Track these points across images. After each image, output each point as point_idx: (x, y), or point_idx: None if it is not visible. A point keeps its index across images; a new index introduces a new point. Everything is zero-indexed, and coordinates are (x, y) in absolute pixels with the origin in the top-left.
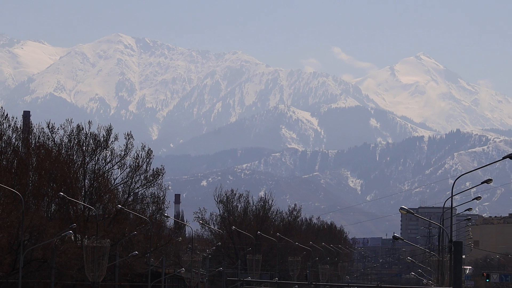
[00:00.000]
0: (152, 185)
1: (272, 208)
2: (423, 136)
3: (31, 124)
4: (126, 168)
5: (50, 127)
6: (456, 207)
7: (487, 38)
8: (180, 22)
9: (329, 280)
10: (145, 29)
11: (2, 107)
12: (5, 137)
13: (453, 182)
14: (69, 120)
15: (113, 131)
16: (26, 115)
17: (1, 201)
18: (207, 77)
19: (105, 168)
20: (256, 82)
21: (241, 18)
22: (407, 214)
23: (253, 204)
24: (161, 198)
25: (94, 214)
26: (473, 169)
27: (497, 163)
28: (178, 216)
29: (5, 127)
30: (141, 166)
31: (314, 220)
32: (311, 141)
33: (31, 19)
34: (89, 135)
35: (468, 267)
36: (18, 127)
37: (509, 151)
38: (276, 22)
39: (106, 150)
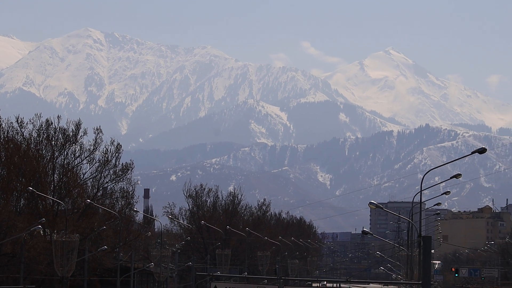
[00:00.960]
0: (121, 179)
1: (241, 203)
2: (392, 131)
3: (0, 118)
4: (95, 162)
5: (19, 121)
6: (425, 202)
7: (456, 32)
8: (150, 17)
9: (298, 275)
10: (114, 23)
11: None
12: None
13: (422, 176)
14: (38, 114)
15: (82, 126)
16: None
17: None
18: (176, 71)
19: (74, 163)
20: (225, 77)
21: (210, 13)
22: (376, 209)
23: (222, 199)
24: (130, 192)
25: (63, 208)
26: (442, 163)
27: (466, 158)
28: (147, 210)
29: None
30: (110, 160)
31: (284, 215)
32: (281, 135)
33: None
34: (58, 129)
35: (437, 261)
36: None
37: (478, 146)
38: (245, 16)
39: (75, 144)
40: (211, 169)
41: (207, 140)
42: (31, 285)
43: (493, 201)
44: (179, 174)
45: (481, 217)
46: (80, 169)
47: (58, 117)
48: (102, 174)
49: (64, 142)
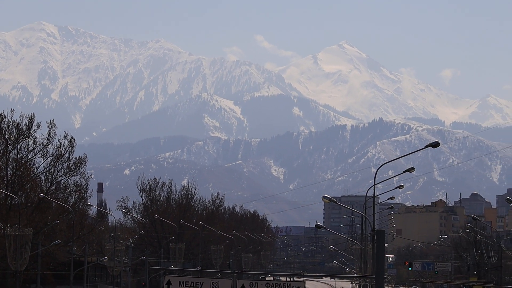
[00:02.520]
0: (75, 173)
1: (195, 197)
2: (345, 125)
3: None
4: (49, 156)
5: None
6: (378, 196)
7: (410, 26)
8: (103, 10)
9: (252, 269)
10: (68, 17)
11: None
12: None
13: (375, 170)
14: None
15: (35, 120)
16: None
17: None
18: (130, 65)
19: (28, 157)
20: (179, 71)
21: (164, 6)
22: (330, 203)
23: (176, 192)
24: (84, 186)
25: (16, 202)
26: (396, 157)
27: (420, 152)
28: (101, 204)
29: None
30: (64, 154)
31: (237, 209)
32: (234, 129)
33: None
34: (11, 123)
35: (391, 255)
36: None
37: (432, 140)
38: (198, 10)
39: (29, 138)
40: (165, 163)
41: (160, 134)
42: None
43: (446, 195)
44: (132, 168)
45: (434, 211)
46: (34, 163)
47: (12, 111)
48: (56, 168)
49: (17, 136)
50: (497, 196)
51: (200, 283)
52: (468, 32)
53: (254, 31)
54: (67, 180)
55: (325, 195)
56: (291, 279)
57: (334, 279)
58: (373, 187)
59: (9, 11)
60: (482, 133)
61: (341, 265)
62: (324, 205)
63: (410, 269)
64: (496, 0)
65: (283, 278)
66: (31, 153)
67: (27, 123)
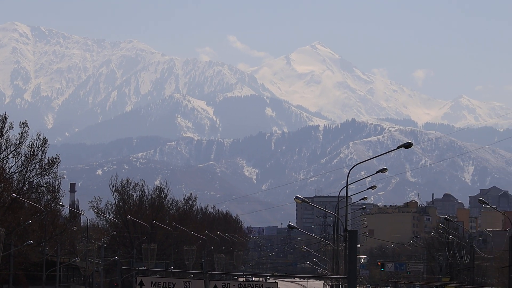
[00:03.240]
0: (47, 174)
1: (167, 197)
2: (318, 125)
3: None
4: (21, 157)
5: None
6: (351, 196)
7: (382, 27)
8: (76, 10)
9: (224, 269)
10: (40, 17)
11: None
12: None
13: (348, 171)
14: None
15: (8, 120)
16: None
17: None
18: (103, 65)
19: (0, 157)
20: (151, 71)
21: (136, 6)
22: (303, 203)
23: (148, 193)
24: (56, 187)
25: None
26: (368, 158)
27: (392, 153)
28: (74, 205)
29: None
30: (36, 155)
31: (210, 209)
32: (207, 130)
33: None
34: None
35: (363, 256)
36: None
37: (404, 141)
38: (171, 10)
39: (1, 138)
40: (138, 164)
41: (133, 134)
42: None
43: (419, 195)
44: (105, 168)
45: (407, 212)
46: (6, 163)
47: None
48: (28, 169)
49: None
50: (470, 197)
51: (173, 283)
52: (441, 33)
53: (227, 32)
54: (39, 180)
55: (298, 195)
56: (264, 279)
57: (307, 279)
58: (345, 188)
59: None
60: (455, 134)
61: (314, 265)
62: (296, 206)
63: (382, 269)
64: (466, 1)
65: (255, 279)
66: (4, 153)
67: (0, 123)
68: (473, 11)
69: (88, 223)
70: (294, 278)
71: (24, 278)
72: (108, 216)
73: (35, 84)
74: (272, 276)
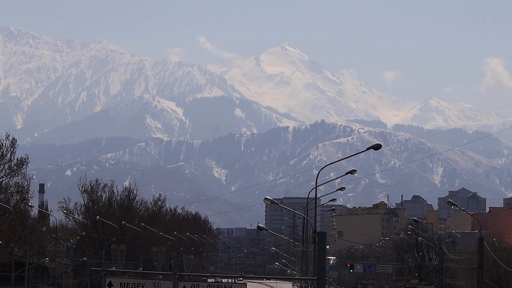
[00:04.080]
0: (16, 174)
1: (136, 198)
2: (288, 127)
3: None
4: None
5: None
6: (320, 198)
7: (352, 28)
8: (46, 11)
9: (193, 270)
10: (9, 17)
11: None
12: None
13: (317, 172)
14: None
15: None
16: None
17: None
18: (72, 66)
19: None
20: (121, 72)
21: (106, 7)
22: (272, 205)
23: (117, 194)
24: (25, 187)
25: None
26: (338, 159)
27: (361, 154)
28: (42, 205)
29: None
30: (5, 155)
31: (179, 210)
32: (176, 131)
33: None
34: None
35: (332, 257)
36: None
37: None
38: (141, 11)
39: None
40: (107, 164)
41: (102, 135)
42: None
43: (388, 197)
44: (74, 169)
45: (376, 213)
46: None
47: None
48: None
49: None
50: (439, 199)
51: (142, 284)
52: (410, 34)
53: (197, 32)
54: (8, 181)
55: (267, 196)
56: (233, 280)
57: (276, 280)
58: (315, 189)
59: None
60: (424, 136)
61: (283, 267)
62: (265, 207)
63: (351, 271)
64: (438, 2)
65: (224, 280)
66: None
67: None
68: (441, 13)
69: (57, 224)
70: (263, 280)
71: None
72: (77, 217)
73: (4, 84)
74: (241, 277)
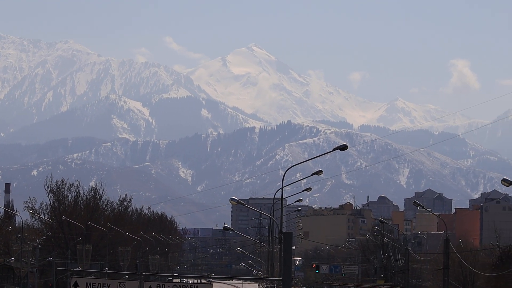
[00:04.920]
0: None
1: (102, 198)
2: (254, 127)
3: None
4: None
5: None
6: (286, 198)
7: (318, 29)
8: (12, 10)
9: (159, 271)
10: None
11: None
12: None
13: (283, 173)
14: None
15: None
16: None
17: None
18: (39, 66)
19: None
20: (87, 72)
21: (73, 7)
22: (238, 205)
23: (83, 194)
24: None
25: None
26: (304, 160)
27: (328, 155)
28: (8, 205)
29: None
30: None
31: (145, 211)
32: (142, 131)
33: None
34: None
35: (298, 258)
36: None
37: (340, 143)
38: (107, 11)
39: None
40: (73, 164)
41: (68, 135)
42: None
43: (354, 198)
44: (40, 169)
45: (342, 214)
46: None
47: None
48: None
49: None
50: (405, 199)
51: (107, 284)
52: (377, 35)
53: (163, 33)
54: None
55: (233, 197)
56: (198, 281)
57: (242, 281)
58: (281, 190)
59: None
60: (390, 137)
61: (249, 267)
62: (232, 207)
63: (317, 271)
64: (403, 4)
65: (190, 280)
66: None
67: None
68: (408, 14)
69: (23, 224)
70: (229, 280)
71: None
72: (43, 216)
73: None
74: (207, 277)
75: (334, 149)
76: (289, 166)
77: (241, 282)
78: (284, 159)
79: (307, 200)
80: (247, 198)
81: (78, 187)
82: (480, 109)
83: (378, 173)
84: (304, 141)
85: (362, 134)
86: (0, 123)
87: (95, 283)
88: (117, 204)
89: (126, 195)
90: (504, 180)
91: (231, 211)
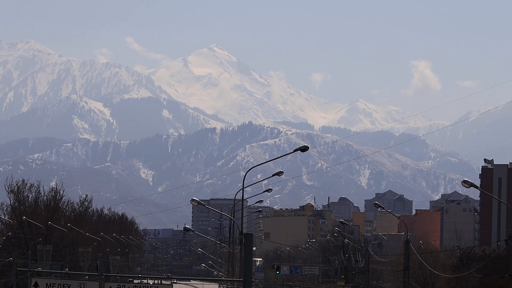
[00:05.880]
0: None
1: (63, 199)
2: (215, 128)
3: None
4: None
5: None
6: (247, 199)
7: (280, 30)
8: None
9: (119, 271)
10: None
11: None
12: None
13: (244, 174)
14: None
15: None
16: None
17: None
18: None
19: None
20: (48, 72)
21: (34, 7)
22: (199, 206)
23: (44, 194)
24: None
25: None
26: (265, 161)
27: (289, 156)
28: None
29: None
30: None
31: (106, 211)
32: (103, 131)
33: None
34: None
35: (259, 259)
36: None
37: (301, 144)
38: (68, 11)
39: None
40: (33, 165)
41: (29, 135)
42: None
43: (314, 199)
44: (0, 169)
45: (302, 215)
46: None
47: None
48: None
49: None
50: (365, 201)
51: (68, 285)
52: (338, 37)
53: (124, 33)
54: None
55: (194, 198)
56: (159, 281)
57: (202, 282)
58: (241, 191)
59: None
60: (351, 138)
61: (209, 268)
62: (192, 208)
63: (278, 272)
64: (365, 5)
65: (150, 281)
66: None
67: None
68: (369, 15)
69: None
70: (189, 280)
71: None
72: (3, 217)
73: None
74: (168, 278)
75: (295, 150)
76: (250, 167)
77: (201, 283)
78: (245, 160)
79: (268, 201)
80: (208, 199)
81: (39, 188)
82: (441, 110)
83: (339, 174)
84: (265, 142)
85: (323, 135)
86: None
87: (55, 284)
88: (77, 204)
89: (86, 195)
90: (464, 182)
91: (192, 212)
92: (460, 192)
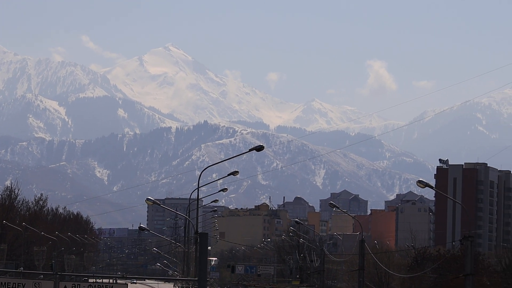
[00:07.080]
0: None
1: (18, 198)
2: (170, 127)
3: None
4: None
5: None
6: (202, 199)
7: (235, 29)
8: None
9: (74, 270)
10: None
11: None
12: None
13: (200, 173)
14: None
15: None
16: None
17: None
18: None
19: None
20: (3, 71)
21: None
22: (154, 205)
23: None
24: None
25: None
26: (220, 160)
27: (244, 155)
28: None
29: None
30: None
31: (61, 210)
32: (59, 130)
33: None
34: None
35: (214, 258)
36: None
37: (256, 143)
38: (23, 9)
39: None
40: None
41: None
42: None
43: (270, 198)
44: None
45: (258, 215)
46: None
47: None
48: None
49: None
50: (321, 200)
51: (22, 284)
52: (293, 36)
53: (80, 32)
54: None
55: (149, 197)
56: (114, 281)
57: (157, 281)
58: (197, 190)
59: None
60: (307, 137)
61: (164, 267)
62: (147, 207)
63: (232, 272)
64: (321, 4)
65: (105, 280)
66: None
67: None
68: (325, 14)
69: None
70: (144, 280)
71: None
72: None
73: None
74: (123, 277)
75: (250, 150)
76: (205, 167)
77: (156, 282)
78: (200, 160)
79: (223, 201)
80: (163, 198)
81: None
82: (396, 110)
83: (294, 174)
84: (221, 141)
85: (279, 135)
86: None
87: (10, 283)
88: (32, 203)
89: (41, 194)
90: (419, 182)
91: (147, 211)
92: (415, 192)
